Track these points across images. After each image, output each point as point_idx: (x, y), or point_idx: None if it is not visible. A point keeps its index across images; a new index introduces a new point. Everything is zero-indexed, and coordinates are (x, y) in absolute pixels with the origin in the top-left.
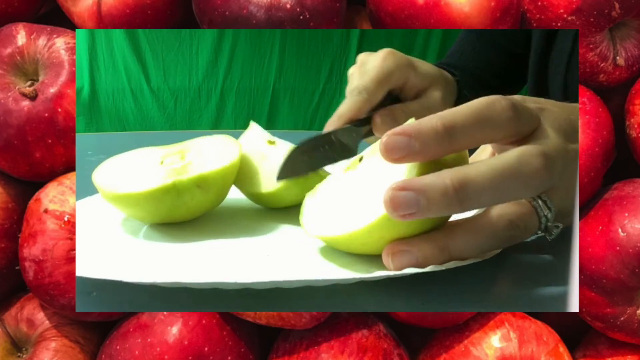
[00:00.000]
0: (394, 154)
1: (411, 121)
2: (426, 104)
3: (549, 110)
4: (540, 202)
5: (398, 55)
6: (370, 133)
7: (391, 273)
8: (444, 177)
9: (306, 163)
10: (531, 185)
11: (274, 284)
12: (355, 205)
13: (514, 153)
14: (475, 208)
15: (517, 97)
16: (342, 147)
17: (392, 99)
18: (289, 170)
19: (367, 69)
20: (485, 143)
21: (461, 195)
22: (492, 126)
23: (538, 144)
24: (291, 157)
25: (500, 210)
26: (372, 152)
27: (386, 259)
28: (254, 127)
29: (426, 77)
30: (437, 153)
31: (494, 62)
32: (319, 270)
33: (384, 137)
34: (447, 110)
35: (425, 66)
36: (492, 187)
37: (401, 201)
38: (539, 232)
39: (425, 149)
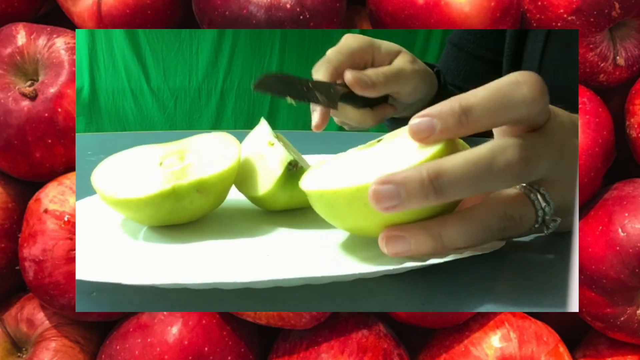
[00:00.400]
0: (420, 134)
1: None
2: (395, 66)
3: (555, 109)
4: (538, 195)
5: (358, 36)
6: (348, 95)
7: (390, 268)
8: (421, 170)
9: (284, 87)
10: (506, 177)
11: (274, 283)
12: (354, 169)
13: (488, 145)
14: (453, 198)
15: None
16: (319, 94)
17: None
18: (265, 85)
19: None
20: (505, 124)
21: (436, 185)
22: (512, 107)
23: (531, 137)
24: (269, 76)
25: (495, 202)
26: (392, 136)
27: (381, 244)
28: (263, 125)
29: (391, 51)
30: (458, 132)
31: (477, 74)
32: (318, 269)
33: (412, 119)
34: (469, 91)
35: (388, 44)
36: (466, 178)
37: (383, 194)
38: (536, 225)
39: (446, 129)
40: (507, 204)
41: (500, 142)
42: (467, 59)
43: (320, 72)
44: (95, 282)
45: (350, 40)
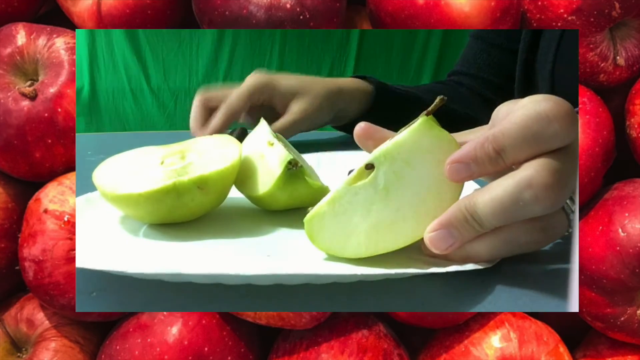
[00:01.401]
0: (459, 178)
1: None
2: (288, 117)
3: None
4: (568, 201)
5: (261, 76)
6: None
7: (392, 272)
8: (460, 206)
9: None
10: (536, 209)
11: (276, 279)
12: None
13: (515, 178)
14: (495, 226)
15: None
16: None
17: (267, 109)
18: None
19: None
20: (536, 156)
21: (478, 220)
22: (544, 143)
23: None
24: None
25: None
26: (386, 159)
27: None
28: (263, 125)
29: (289, 90)
30: (493, 172)
31: (495, 63)
32: (319, 268)
33: (447, 166)
34: (498, 130)
35: (289, 80)
36: (497, 214)
37: (438, 240)
38: (570, 229)
39: (483, 171)
40: (543, 216)
41: (526, 174)
42: (485, 47)
43: (223, 119)
44: (96, 271)
45: (250, 82)
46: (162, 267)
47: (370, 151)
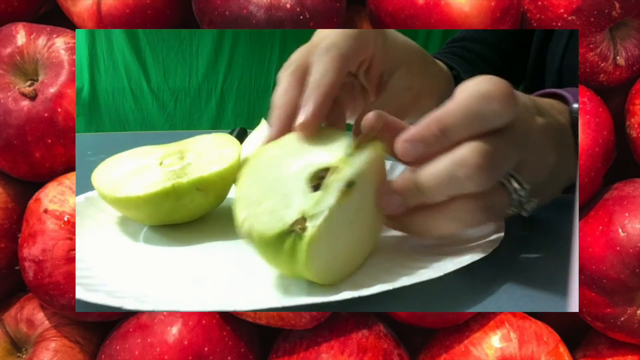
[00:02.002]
0: (408, 157)
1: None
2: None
3: (516, 92)
4: (511, 180)
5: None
6: None
7: (390, 287)
8: (405, 177)
9: None
10: (471, 185)
11: (280, 309)
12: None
13: (448, 157)
14: (434, 199)
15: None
16: None
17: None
18: None
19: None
20: (481, 133)
21: (420, 188)
22: (486, 122)
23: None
24: None
25: (468, 196)
26: (359, 177)
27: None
28: (263, 126)
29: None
30: (439, 150)
31: (514, 33)
32: (323, 293)
33: (396, 142)
34: (442, 110)
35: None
36: (434, 189)
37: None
38: (513, 209)
39: (429, 150)
40: (480, 195)
41: (460, 153)
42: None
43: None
44: (96, 304)
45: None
46: (160, 303)
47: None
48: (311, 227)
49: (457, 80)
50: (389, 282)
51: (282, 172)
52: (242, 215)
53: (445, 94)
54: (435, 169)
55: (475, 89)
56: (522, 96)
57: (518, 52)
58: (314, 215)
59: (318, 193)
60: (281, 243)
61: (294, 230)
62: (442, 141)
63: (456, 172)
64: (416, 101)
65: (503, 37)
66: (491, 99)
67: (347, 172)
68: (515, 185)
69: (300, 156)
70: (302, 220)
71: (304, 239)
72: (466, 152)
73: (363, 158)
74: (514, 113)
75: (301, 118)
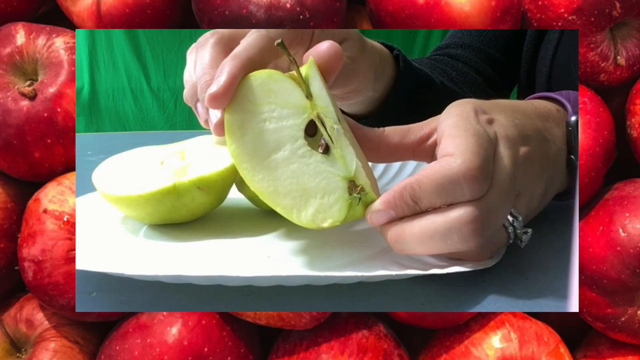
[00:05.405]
0: (379, 223)
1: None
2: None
3: (498, 122)
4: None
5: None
6: None
7: (393, 273)
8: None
9: None
10: (468, 243)
11: (276, 280)
12: None
13: (441, 217)
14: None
15: (473, 111)
16: None
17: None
18: None
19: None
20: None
21: (409, 250)
22: (456, 197)
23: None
24: None
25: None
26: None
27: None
28: None
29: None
30: (409, 214)
31: (502, 38)
32: (320, 269)
33: (369, 209)
34: (415, 178)
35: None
36: (431, 247)
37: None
38: (510, 241)
39: (399, 214)
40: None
41: (455, 215)
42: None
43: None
44: (96, 273)
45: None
46: (161, 269)
47: None
48: (363, 182)
49: (397, 59)
50: (395, 271)
51: (284, 149)
52: (292, 213)
53: (381, 68)
54: (428, 229)
55: (448, 166)
56: (510, 130)
57: (507, 57)
58: (355, 173)
59: (337, 153)
60: (352, 211)
61: (358, 196)
62: (414, 209)
63: (449, 238)
64: (355, 71)
65: (489, 42)
66: (460, 181)
67: (325, 114)
68: (510, 217)
69: (279, 123)
70: (352, 184)
71: (369, 194)
72: (459, 217)
73: (317, 87)
74: (484, 189)
75: (212, 88)
